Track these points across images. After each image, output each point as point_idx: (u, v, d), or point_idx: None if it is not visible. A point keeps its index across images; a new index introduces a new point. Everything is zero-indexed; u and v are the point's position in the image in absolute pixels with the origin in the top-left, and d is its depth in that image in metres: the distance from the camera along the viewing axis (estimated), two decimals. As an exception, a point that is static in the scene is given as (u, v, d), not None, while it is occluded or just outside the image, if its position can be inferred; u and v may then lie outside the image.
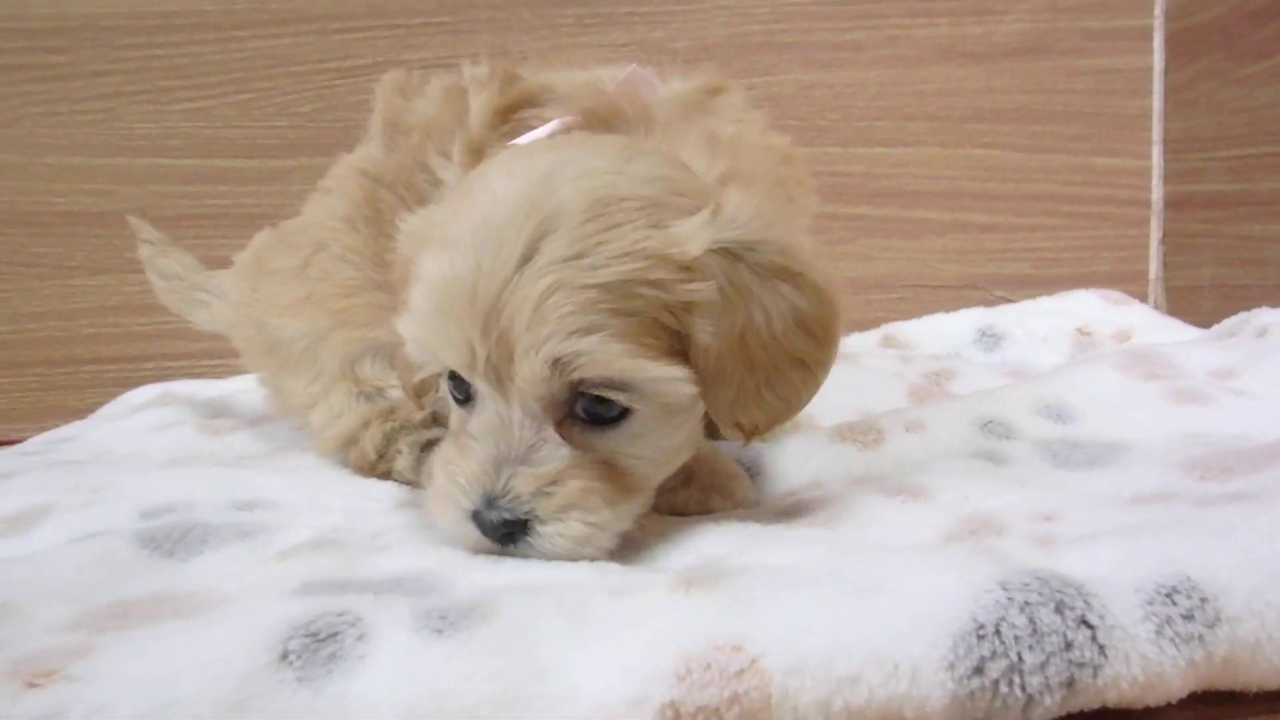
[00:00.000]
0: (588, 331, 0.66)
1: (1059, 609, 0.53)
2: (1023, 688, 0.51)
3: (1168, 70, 1.62)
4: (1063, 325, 1.49)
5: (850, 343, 1.51)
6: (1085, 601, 0.54)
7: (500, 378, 0.68)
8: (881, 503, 0.77)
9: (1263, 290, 1.42)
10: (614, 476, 0.71)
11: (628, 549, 0.75)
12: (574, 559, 0.70)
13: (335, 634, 0.54)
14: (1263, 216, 1.44)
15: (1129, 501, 0.76)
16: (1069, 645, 0.52)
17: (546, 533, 0.69)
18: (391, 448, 0.99)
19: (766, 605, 0.56)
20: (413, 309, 0.71)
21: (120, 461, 1.11)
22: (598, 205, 0.67)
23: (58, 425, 1.44)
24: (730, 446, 0.88)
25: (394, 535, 0.80)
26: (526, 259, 0.66)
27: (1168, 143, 1.63)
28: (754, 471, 0.91)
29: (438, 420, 0.99)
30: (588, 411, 0.70)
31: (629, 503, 0.73)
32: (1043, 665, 0.52)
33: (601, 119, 0.84)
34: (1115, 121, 1.64)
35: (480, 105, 0.92)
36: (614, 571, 0.69)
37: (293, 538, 0.79)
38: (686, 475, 0.81)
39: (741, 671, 0.52)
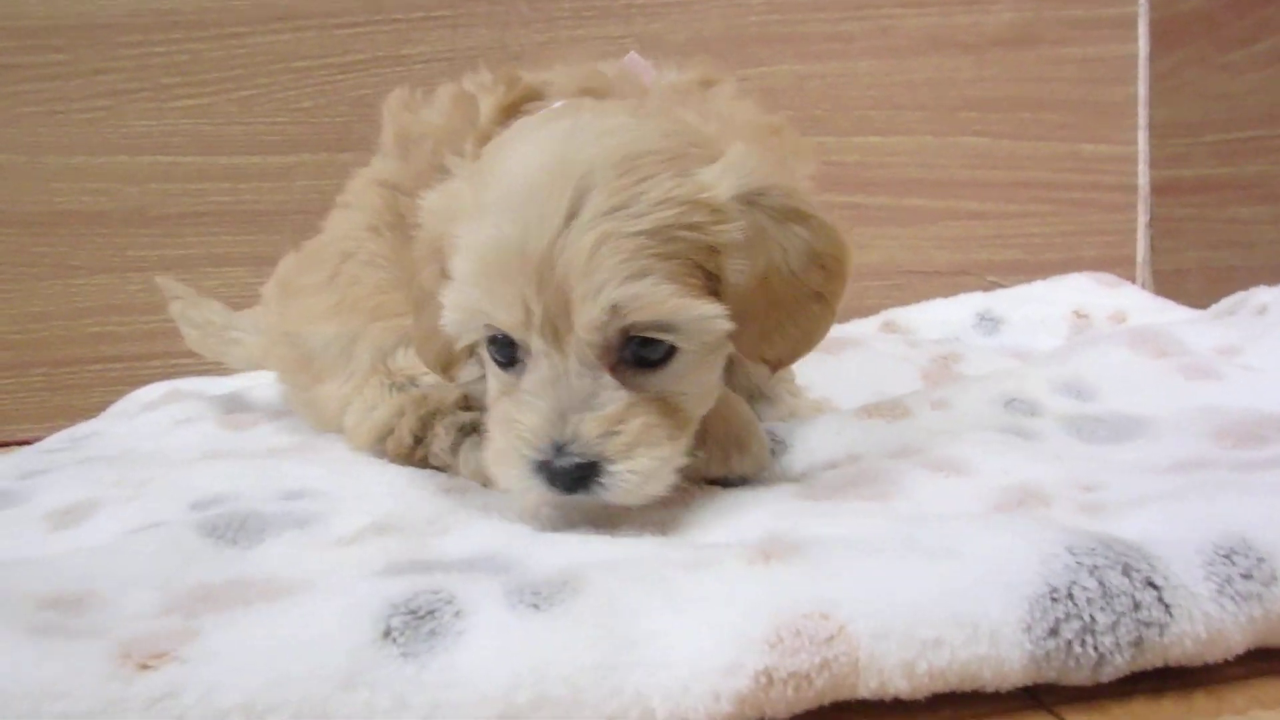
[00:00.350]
0: (639, 276, 0.70)
1: (1125, 571, 0.56)
2: (1095, 647, 0.54)
3: (1152, 58, 1.66)
4: (1059, 309, 1.52)
5: (851, 329, 1.54)
6: (1149, 564, 0.56)
7: (556, 331, 0.71)
8: (925, 477, 0.80)
9: (1249, 272, 1.46)
10: (668, 413, 0.75)
11: (679, 526, 0.77)
12: (641, 497, 0.73)
13: (433, 611, 0.56)
14: (1248, 200, 1.48)
15: (1167, 469, 0.79)
16: (1137, 606, 0.55)
17: (617, 471, 0.72)
18: (429, 432, 1.00)
19: (848, 573, 0.58)
20: (460, 276, 0.74)
21: (151, 456, 1.12)
22: (627, 160, 0.71)
23: (63, 425, 1.44)
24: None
25: (450, 519, 0.81)
26: (572, 215, 0.70)
27: (1153, 129, 1.68)
28: (785, 446, 0.92)
29: (470, 403, 1.01)
30: (636, 355, 0.74)
31: (683, 438, 0.77)
32: (1113, 625, 0.54)
33: (599, 97, 0.87)
34: (1101, 109, 1.68)
35: (489, 105, 0.96)
36: (680, 546, 0.71)
37: (351, 524, 0.79)
38: (702, 433, 0.83)
39: (831, 638, 0.53)
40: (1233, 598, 0.56)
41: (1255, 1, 1.45)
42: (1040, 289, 1.59)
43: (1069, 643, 0.54)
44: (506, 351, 0.76)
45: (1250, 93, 1.47)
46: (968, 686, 0.54)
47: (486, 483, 0.92)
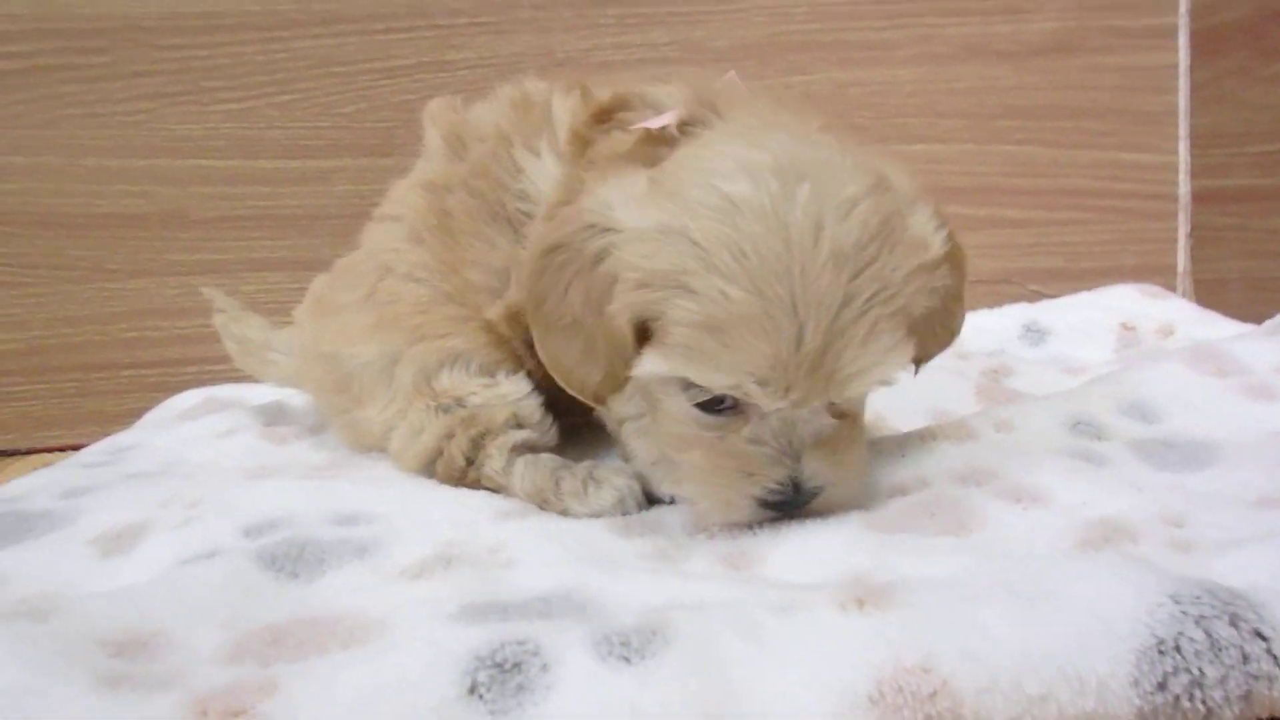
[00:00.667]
0: (898, 351, 0.75)
1: (1233, 621, 0.54)
2: (1204, 702, 0.53)
3: (1192, 67, 1.65)
4: (1105, 320, 1.51)
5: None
6: (1256, 613, 0.55)
7: (805, 398, 0.73)
8: (1004, 507, 0.78)
9: (1289, 282, 1.47)
10: (858, 431, 0.83)
11: (748, 559, 0.77)
12: (845, 510, 0.80)
13: (519, 664, 0.55)
14: (1288, 211, 1.48)
15: (1253, 505, 0.77)
16: (1246, 658, 0.53)
17: (835, 493, 0.79)
18: (480, 453, 0.99)
19: (947, 622, 0.57)
20: (696, 342, 0.73)
21: (198, 472, 1.10)
22: (873, 238, 0.73)
23: (96, 430, 1.44)
24: None
25: (514, 549, 0.79)
26: (846, 303, 0.71)
27: (1194, 138, 1.67)
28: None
29: (520, 421, 1.00)
30: None
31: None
32: (1223, 679, 0.53)
33: (712, 106, 0.85)
34: (1142, 118, 1.67)
35: (572, 108, 0.95)
36: (757, 585, 0.70)
37: (411, 553, 0.78)
38: None
39: (934, 694, 0.52)
40: None
41: (1298, 14, 1.44)
42: (1085, 299, 1.58)
43: (1177, 697, 0.53)
44: (717, 401, 0.77)
45: (1291, 104, 1.47)
46: (1074, 743, 0.54)
47: (544, 504, 0.94)
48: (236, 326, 1.32)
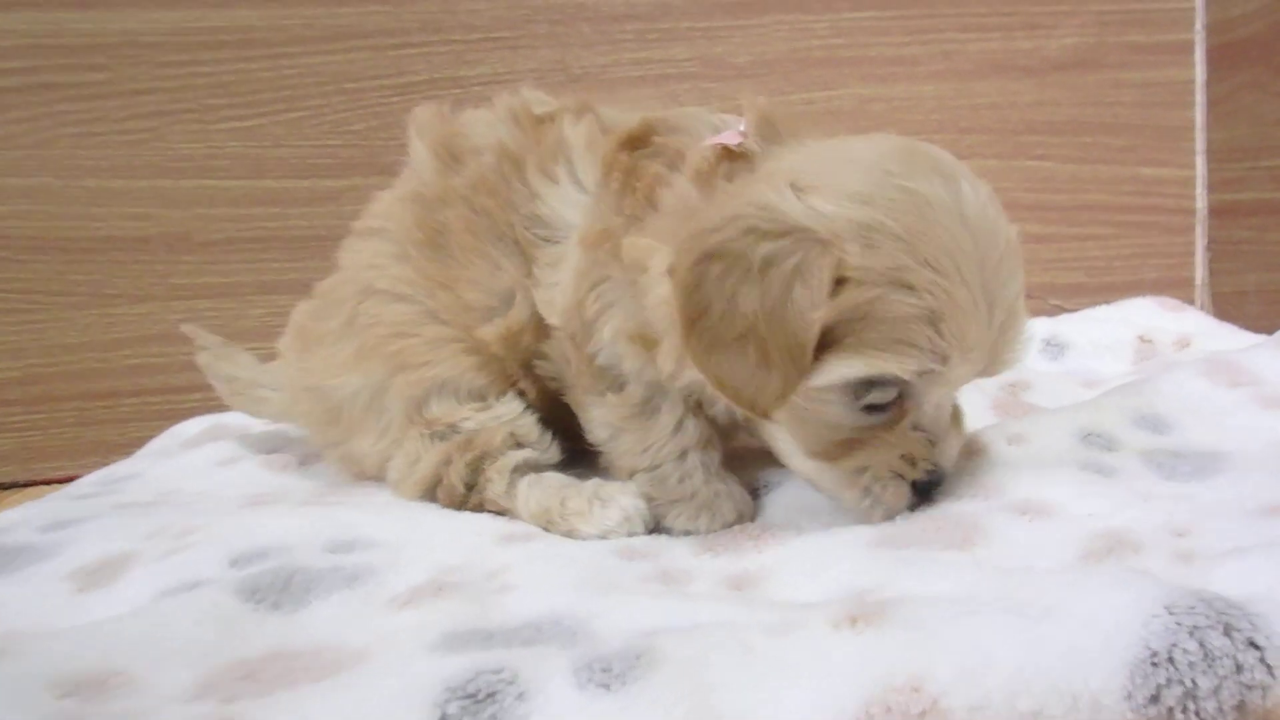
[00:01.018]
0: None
1: (1227, 631, 0.54)
2: (1197, 713, 0.52)
3: (1209, 83, 1.67)
4: (1123, 333, 1.51)
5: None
6: (1250, 622, 0.54)
7: (990, 369, 0.80)
8: (1009, 521, 0.78)
9: (1307, 295, 1.48)
10: (959, 413, 0.88)
11: (754, 579, 0.76)
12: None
13: (494, 694, 0.54)
14: (1306, 224, 1.49)
15: (1259, 513, 0.77)
16: (1239, 668, 0.53)
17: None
18: (480, 477, 0.98)
19: (940, 639, 0.56)
20: (913, 338, 0.74)
21: (193, 502, 1.07)
22: (1008, 226, 0.81)
23: (98, 461, 1.39)
24: None
25: (513, 573, 0.78)
26: (1012, 285, 0.79)
27: (1211, 153, 1.68)
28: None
29: (518, 441, 0.99)
30: None
31: None
32: (1216, 690, 0.52)
33: (773, 125, 0.86)
34: (1160, 133, 1.68)
35: (588, 133, 0.95)
36: (759, 605, 0.69)
37: (406, 580, 0.76)
38: None
39: (923, 713, 0.52)
40: None
41: (1316, 29, 1.46)
42: (1104, 313, 1.58)
43: (1170, 710, 0.52)
44: (881, 403, 0.80)
45: (1307, 118, 1.48)
46: (1066, 759, 0.53)
47: (549, 525, 0.93)
48: (222, 365, 1.27)
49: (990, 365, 0.79)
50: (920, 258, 0.73)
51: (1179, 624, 0.54)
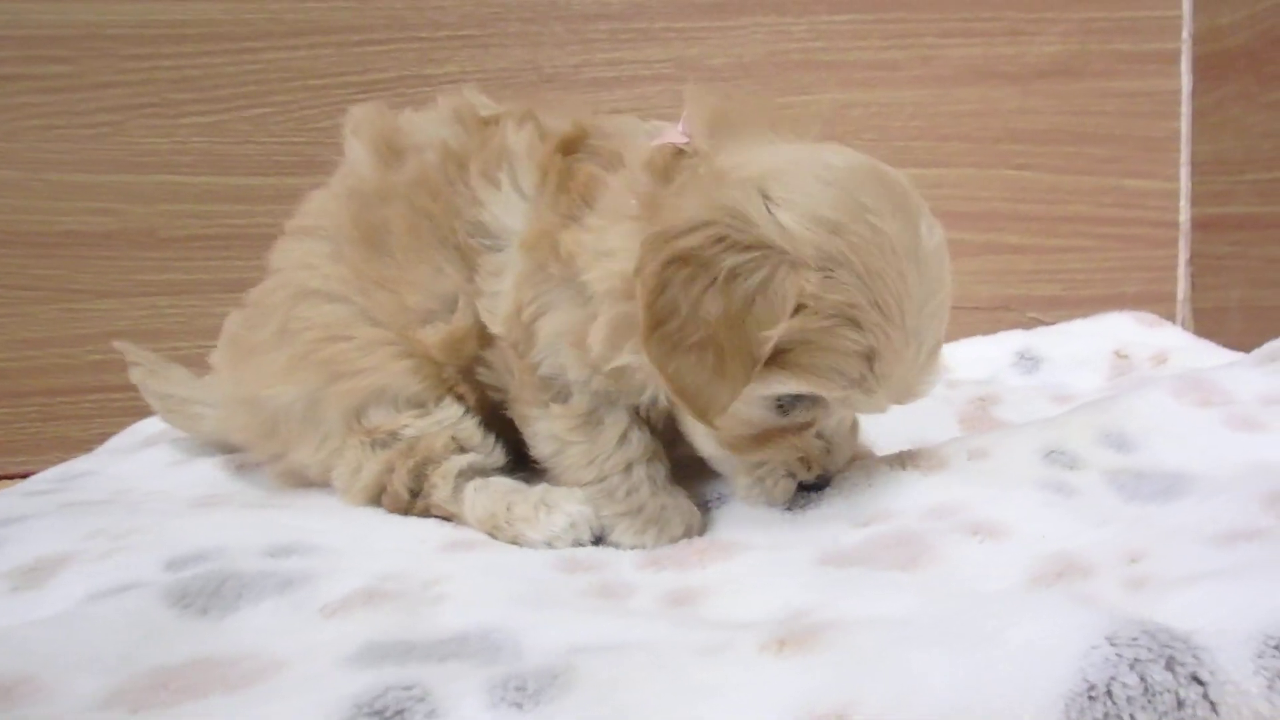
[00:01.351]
0: None
1: (1169, 666, 0.52)
2: None
3: (1195, 93, 1.64)
4: (1099, 347, 1.49)
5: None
6: (1195, 656, 0.53)
7: (901, 401, 0.83)
8: (960, 541, 0.77)
9: (1290, 312, 1.45)
10: (855, 425, 0.93)
11: (695, 596, 0.75)
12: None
13: (402, 711, 0.53)
14: (1290, 240, 1.46)
15: (1214, 540, 0.75)
16: (1181, 704, 0.51)
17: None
18: (424, 483, 0.97)
19: (871, 665, 0.55)
20: (846, 369, 0.78)
21: (143, 502, 1.06)
22: None
23: (60, 458, 1.37)
24: None
25: (450, 583, 0.77)
26: (940, 327, 0.82)
27: (1195, 165, 1.65)
28: (815, 498, 0.90)
29: (461, 445, 0.98)
30: None
31: None
32: None
33: (725, 120, 0.87)
34: (1144, 143, 1.65)
35: (529, 140, 0.94)
36: (694, 624, 0.68)
37: (340, 588, 0.75)
38: None
39: None
40: None
41: (1303, 40, 1.42)
42: (1080, 327, 1.56)
43: None
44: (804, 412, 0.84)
45: (1295, 131, 1.45)
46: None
47: (495, 530, 0.93)
48: (156, 382, 1.25)
49: (902, 396, 0.82)
50: (871, 299, 0.76)
51: (1120, 656, 0.53)
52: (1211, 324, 1.62)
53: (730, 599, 0.73)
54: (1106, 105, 1.64)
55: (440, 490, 0.96)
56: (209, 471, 1.20)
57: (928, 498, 0.86)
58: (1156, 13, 1.63)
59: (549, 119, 0.96)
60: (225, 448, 1.26)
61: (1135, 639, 0.54)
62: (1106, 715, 0.50)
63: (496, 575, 0.79)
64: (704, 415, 0.79)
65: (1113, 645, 0.53)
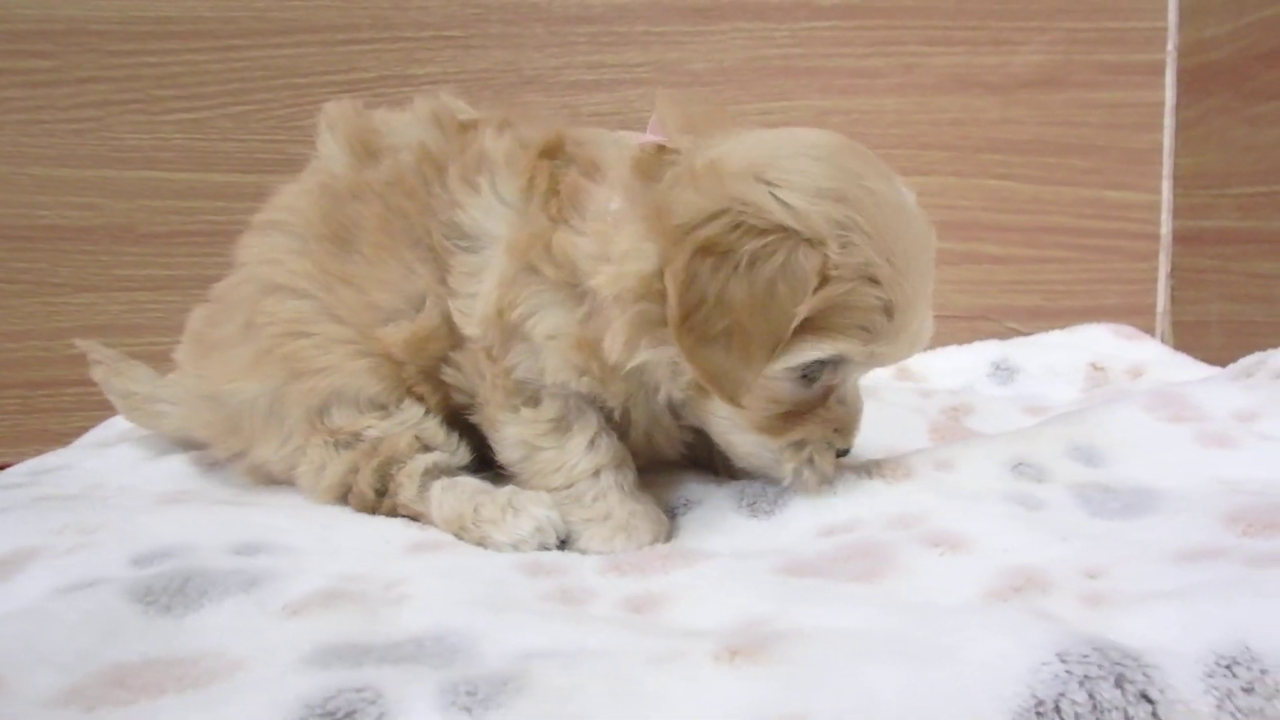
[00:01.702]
0: None
1: (1119, 683, 0.52)
2: None
3: (1179, 106, 1.63)
4: (1076, 360, 1.49)
5: (869, 375, 1.51)
6: (1145, 674, 0.53)
7: (910, 353, 0.88)
8: (921, 553, 0.77)
9: (1270, 327, 1.44)
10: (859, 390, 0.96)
11: (655, 603, 0.75)
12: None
13: (353, 713, 0.53)
14: (1271, 254, 1.46)
15: (1175, 558, 0.74)
16: None
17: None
18: (390, 483, 0.97)
19: (821, 679, 0.55)
20: (872, 324, 0.81)
21: (113, 497, 1.05)
22: None
23: (39, 451, 1.37)
24: (756, 483, 0.93)
25: (412, 584, 0.76)
26: (932, 291, 0.86)
27: (1177, 178, 1.65)
28: (781, 506, 0.90)
29: (425, 444, 0.98)
30: None
31: None
32: None
33: (697, 121, 0.89)
34: (1127, 155, 1.64)
35: (508, 148, 0.95)
36: (650, 631, 0.68)
37: (302, 586, 0.74)
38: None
39: None
40: (1232, 714, 0.52)
41: (1288, 54, 1.41)
42: (1057, 338, 1.56)
43: None
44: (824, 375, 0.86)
45: (1277, 145, 1.44)
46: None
47: (462, 531, 0.92)
48: (119, 380, 1.24)
49: (914, 344, 0.86)
50: (884, 255, 0.79)
51: (1069, 673, 0.53)
52: (1191, 338, 1.62)
53: (689, 607, 0.73)
54: (1089, 116, 1.63)
55: (406, 490, 0.96)
56: (181, 467, 1.19)
57: (892, 508, 0.86)
58: (1142, 24, 1.62)
59: (525, 127, 0.97)
60: (191, 445, 1.26)
61: (1086, 656, 0.54)
62: (1053, 731, 0.50)
63: (459, 578, 0.78)
64: (733, 397, 0.82)
65: (1063, 662, 0.53)
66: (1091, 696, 0.52)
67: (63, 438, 1.43)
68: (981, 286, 1.65)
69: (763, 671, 0.56)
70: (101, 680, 0.59)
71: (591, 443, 0.92)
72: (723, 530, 0.90)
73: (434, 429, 0.99)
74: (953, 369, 1.53)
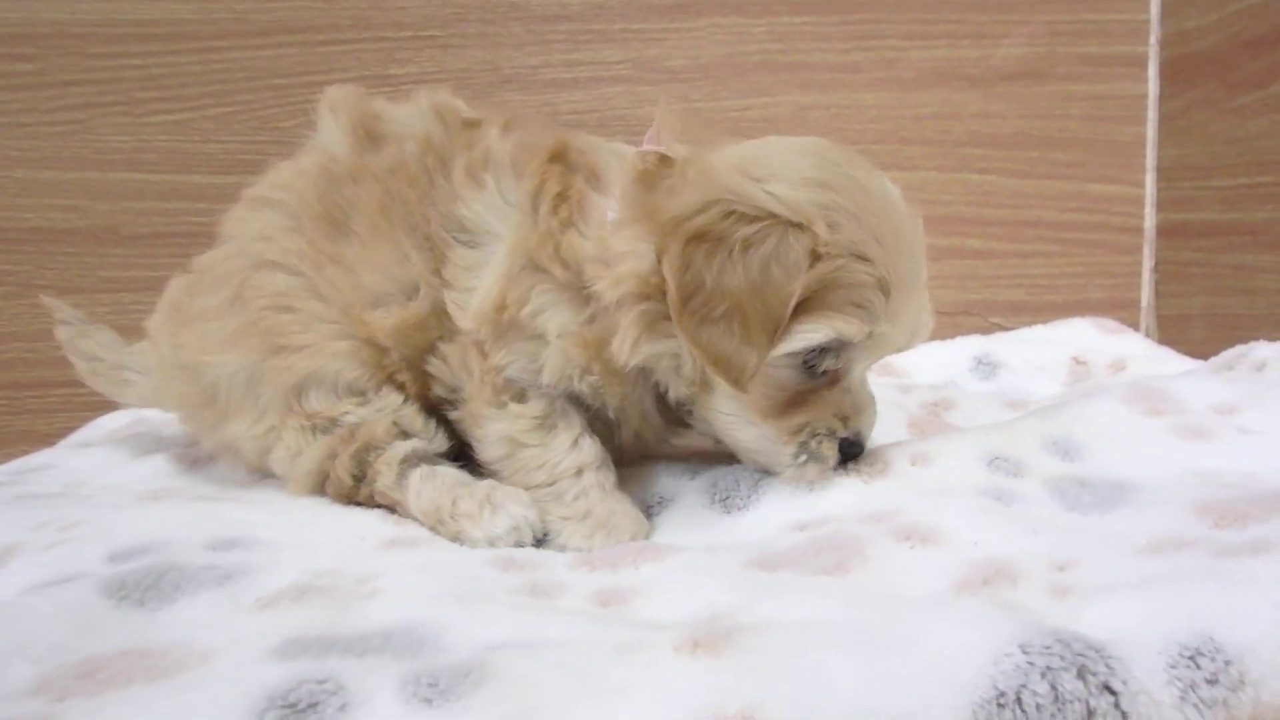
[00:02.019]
0: None
1: (1081, 674, 0.52)
2: None
3: (1162, 98, 1.62)
4: (1058, 354, 1.48)
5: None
6: (1107, 665, 0.53)
7: (915, 339, 0.90)
8: (891, 546, 0.77)
9: (1253, 320, 1.43)
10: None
11: (623, 595, 0.75)
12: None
13: (315, 704, 0.53)
14: (1254, 247, 1.45)
15: (1145, 549, 0.74)
16: (1091, 713, 0.51)
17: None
18: (368, 469, 0.96)
19: (780, 670, 0.55)
20: (868, 302, 0.83)
21: (94, 495, 1.06)
22: None
23: (25, 451, 1.38)
24: (728, 478, 0.93)
25: (384, 579, 0.76)
26: (926, 280, 0.89)
27: (1161, 171, 1.64)
28: (754, 501, 0.90)
29: (404, 431, 0.98)
30: None
31: None
32: None
33: (695, 130, 0.92)
34: (1110, 148, 1.64)
35: (513, 152, 0.96)
36: (615, 623, 0.68)
37: (276, 581, 0.75)
38: None
39: None
40: (1196, 705, 0.52)
41: (1268, 45, 1.40)
42: (1040, 333, 1.55)
43: None
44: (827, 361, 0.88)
45: (1260, 137, 1.43)
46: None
47: (438, 525, 0.92)
48: (84, 343, 1.25)
49: (916, 332, 0.89)
50: (872, 234, 0.82)
51: (1031, 664, 0.52)
52: (1175, 331, 1.61)
53: (657, 600, 0.73)
54: (1072, 109, 1.62)
55: (384, 477, 0.96)
56: (163, 465, 1.20)
57: (866, 502, 0.86)
58: (1124, 16, 1.61)
59: (529, 132, 0.98)
60: (182, 442, 1.27)
61: (1048, 647, 0.53)
62: (1015, 722, 0.50)
63: (432, 572, 0.79)
64: (738, 381, 0.83)
65: (1025, 653, 0.53)
66: (1053, 687, 0.52)
67: (49, 438, 1.44)
68: (964, 281, 1.65)
69: (723, 662, 0.56)
70: (73, 672, 0.59)
71: (575, 442, 0.93)
72: (694, 526, 0.90)
73: (412, 415, 0.99)
74: (935, 364, 1.52)
